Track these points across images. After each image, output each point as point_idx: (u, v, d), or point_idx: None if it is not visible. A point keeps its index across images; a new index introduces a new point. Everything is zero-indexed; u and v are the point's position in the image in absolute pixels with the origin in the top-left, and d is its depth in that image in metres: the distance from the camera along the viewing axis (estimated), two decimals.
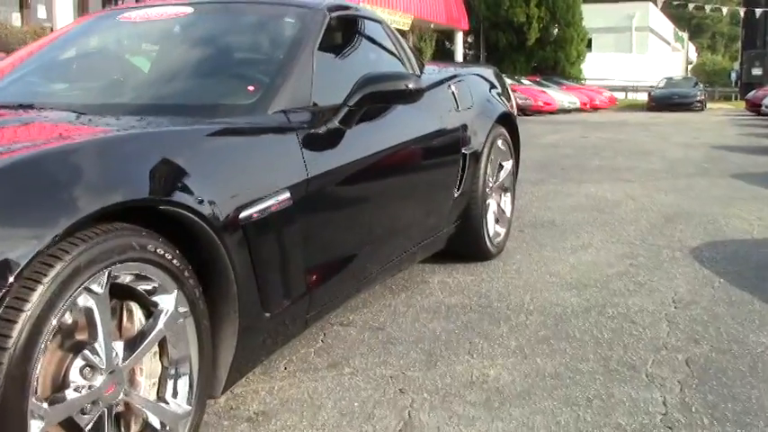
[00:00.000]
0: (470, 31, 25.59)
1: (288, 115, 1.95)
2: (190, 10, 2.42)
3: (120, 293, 1.37)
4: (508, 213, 3.53)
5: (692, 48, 52.09)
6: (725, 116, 20.01)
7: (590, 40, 28.93)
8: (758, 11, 26.81)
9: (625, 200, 5.13)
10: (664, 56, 40.07)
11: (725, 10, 30.10)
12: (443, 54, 24.47)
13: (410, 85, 2.15)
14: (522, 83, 20.48)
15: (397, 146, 2.43)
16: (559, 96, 20.56)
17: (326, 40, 2.35)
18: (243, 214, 1.61)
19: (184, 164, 1.47)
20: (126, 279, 1.35)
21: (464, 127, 2.98)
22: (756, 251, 3.58)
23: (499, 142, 3.34)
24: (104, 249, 1.23)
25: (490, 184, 3.27)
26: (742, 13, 29.55)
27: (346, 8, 2.61)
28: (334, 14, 2.44)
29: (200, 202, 1.46)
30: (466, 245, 3.18)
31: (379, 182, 2.35)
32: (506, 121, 3.44)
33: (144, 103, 2.00)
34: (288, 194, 1.77)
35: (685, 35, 48.41)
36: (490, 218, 3.29)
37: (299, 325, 1.99)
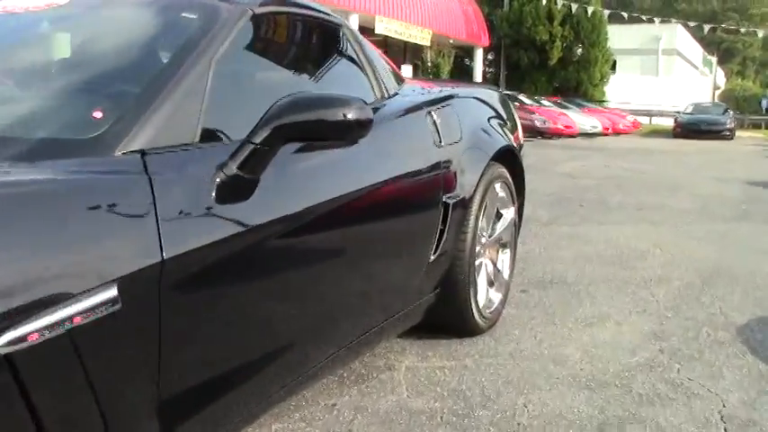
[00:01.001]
0: (491, 48, 24.91)
1: (146, 158, 1.26)
2: (61, 1, 1.74)
3: None
4: (506, 275, 2.78)
5: (720, 73, 50.78)
6: (757, 146, 19.05)
7: (614, 62, 28.03)
8: None
9: (652, 249, 4.36)
10: (691, 80, 38.93)
11: (760, 33, 28.96)
12: (462, 71, 23.81)
13: (349, 115, 1.44)
14: (542, 104, 19.70)
15: (341, 198, 1.70)
16: (581, 119, 19.74)
17: (244, 46, 1.66)
18: (6, 338, 0.93)
19: None
20: None
21: (447, 167, 2.25)
22: None
23: (497, 186, 2.61)
24: None
25: (483, 241, 2.54)
26: None
27: (286, 3, 1.91)
28: (263, 10, 1.74)
29: None
30: (448, 317, 2.46)
31: (306, 252, 1.63)
32: (508, 158, 2.71)
33: None
34: (114, 292, 1.08)
35: (714, 59, 47.18)
36: (481, 283, 2.56)
37: None
